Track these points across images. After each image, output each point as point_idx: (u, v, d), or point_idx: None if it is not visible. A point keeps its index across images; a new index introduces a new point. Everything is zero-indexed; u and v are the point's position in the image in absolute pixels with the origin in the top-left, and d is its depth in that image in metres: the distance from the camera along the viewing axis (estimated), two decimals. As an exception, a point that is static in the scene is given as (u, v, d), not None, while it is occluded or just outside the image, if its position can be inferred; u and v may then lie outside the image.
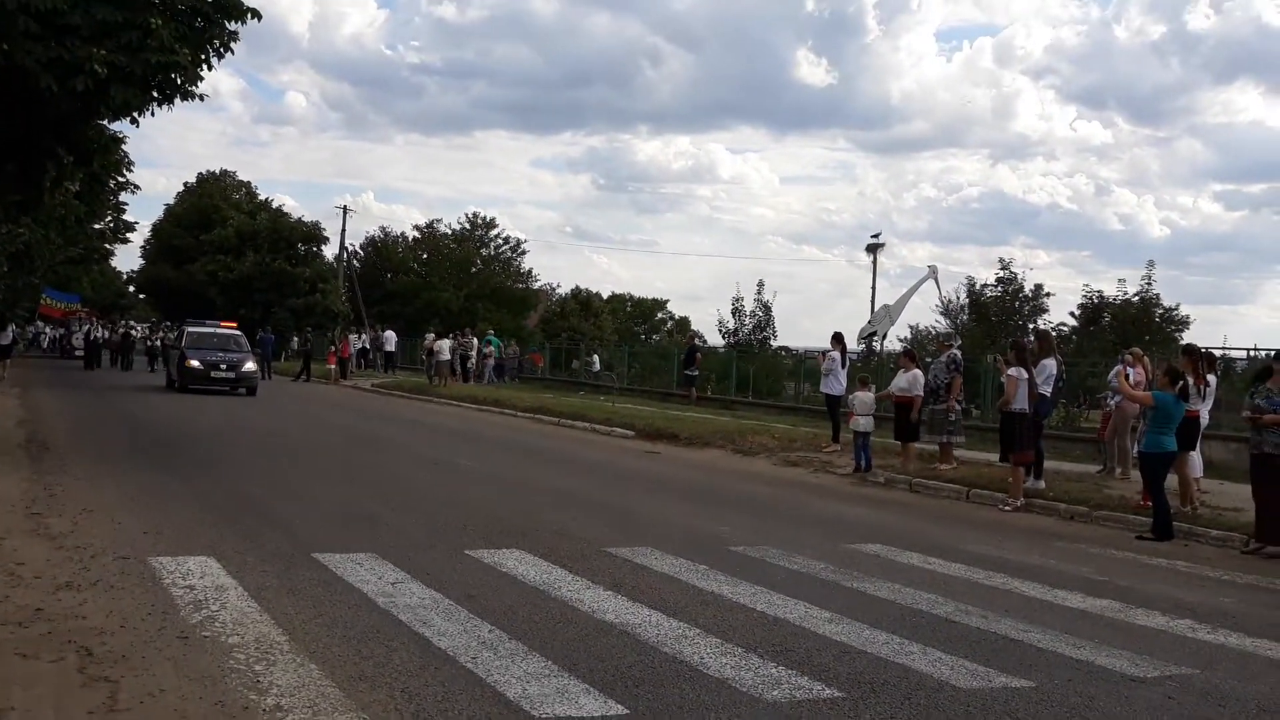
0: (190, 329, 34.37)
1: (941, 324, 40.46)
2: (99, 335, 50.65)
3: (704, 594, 8.26)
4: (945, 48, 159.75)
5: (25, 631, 6.32)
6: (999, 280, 39.44)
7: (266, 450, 17.50)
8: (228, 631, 6.59)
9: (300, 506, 11.82)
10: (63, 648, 6.06)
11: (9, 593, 7.16)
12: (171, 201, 78.82)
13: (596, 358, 47.32)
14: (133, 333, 54.73)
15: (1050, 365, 15.44)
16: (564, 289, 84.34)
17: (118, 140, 19.43)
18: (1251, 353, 24.55)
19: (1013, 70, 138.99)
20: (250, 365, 31.86)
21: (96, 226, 42.24)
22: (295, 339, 47.29)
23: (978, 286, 40.33)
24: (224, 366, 30.90)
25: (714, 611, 7.69)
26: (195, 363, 30.81)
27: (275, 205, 72.48)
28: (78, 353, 50.49)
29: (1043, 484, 14.57)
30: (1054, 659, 6.86)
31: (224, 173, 79.25)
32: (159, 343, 48.68)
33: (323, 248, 68.85)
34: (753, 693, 5.90)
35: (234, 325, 37.22)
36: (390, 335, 51.06)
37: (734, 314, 44.73)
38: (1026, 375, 14.30)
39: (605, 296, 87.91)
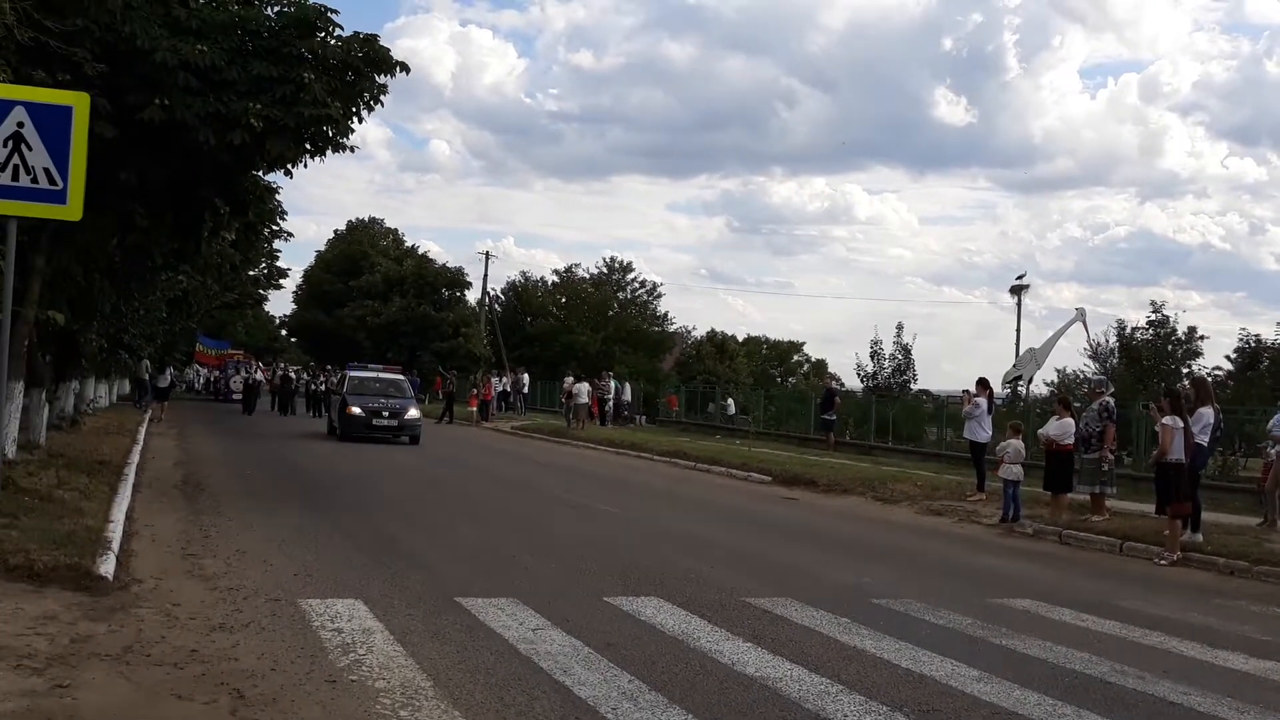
0: (352, 373, 33.05)
1: (1090, 368, 39.31)
2: (258, 379, 50.11)
3: (846, 648, 8.09)
4: (1089, 84, 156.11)
5: (180, 673, 6.49)
6: (1150, 323, 38.23)
7: (411, 493, 17.86)
8: (374, 675, 6.68)
9: (444, 549, 12.00)
10: (216, 690, 6.21)
11: (165, 633, 7.38)
12: (322, 248, 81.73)
13: (731, 401, 47.22)
14: (291, 376, 52.54)
15: (1207, 414, 14.88)
16: (699, 332, 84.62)
17: (272, 190, 20.13)
18: None
19: (1159, 107, 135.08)
20: (414, 412, 30.34)
21: (251, 273, 43.81)
22: (448, 381, 46.71)
23: (1128, 330, 39.15)
24: (386, 414, 29.54)
25: (857, 667, 7.52)
26: (356, 410, 29.52)
27: (420, 251, 74.63)
28: (235, 396, 49.89)
29: (1200, 537, 13.96)
30: (1218, 726, 6.53)
31: (372, 220, 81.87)
32: (323, 387, 45.38)
33: (465, 292, 70.54)
34: (899, 754, 5.74)
35: (398, 368, 36.08)
36: (524, 377, 51.97)
37: (872, 357, 44.21)
38: (1182, 424, 13.76)
39: (740, 339, 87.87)
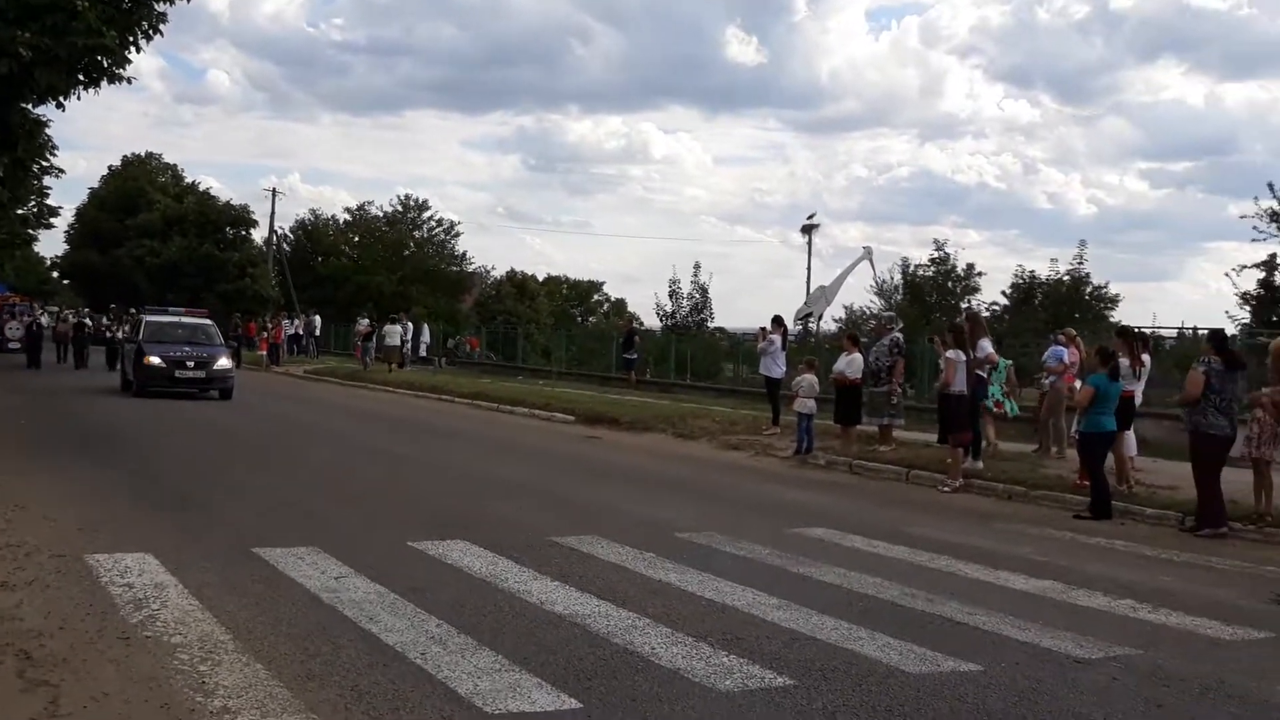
0: (149, 318, 28.95)
1: (877, 304, 40.93)
2: (41, 324, 43.77)
3: (652, 583, 8.24)
4: (874, 27, 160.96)
5: (-41, 636, 6.13)
6: (933, 260, 40.03)
7: (200, 442, 17.24)
8: (170, 631, 6.45)
9: (237, 500, 11.64)
10: (0, 651, 5.91)
11: (-61, 595, 6.96)
12: (96, 185, 77.33)
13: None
14: (87, 323, 44.96)
15: (986, 345, 15.63)
16: (498, 271, 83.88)
17: (41, 124, 18.97)
18: (1182, 331, 25.12)
19: (939, 50, 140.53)
20: (224, 361, 26.61)
21: (20, 212, 40.94)
22: (238, 325, 43.49)
23: (911, 267, 40.90)
24: (191, 364, 25.79)
25: (663, 600, 7.67)
26: (155, 359, 25.64)
27: (202, 188, 71.41)
28: (12, 345, 43.67)
29: (980, 464, 14.74)
30: (1000, 641, 6.92)
31: (149, 155, 77.84)
32: (119, 334, 37.67)
33: (251, 231, 68.02)
34: (705, 683, 5.88)
35: (204, 313, 32.15)
36: (316, 320, 50.76)
37: (671, 296, 44.91)
38: (965, 357, 14.45)
39: (540, 279, 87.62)
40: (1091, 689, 6.03)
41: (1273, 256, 24.71)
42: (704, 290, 44.99)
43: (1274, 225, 24.43)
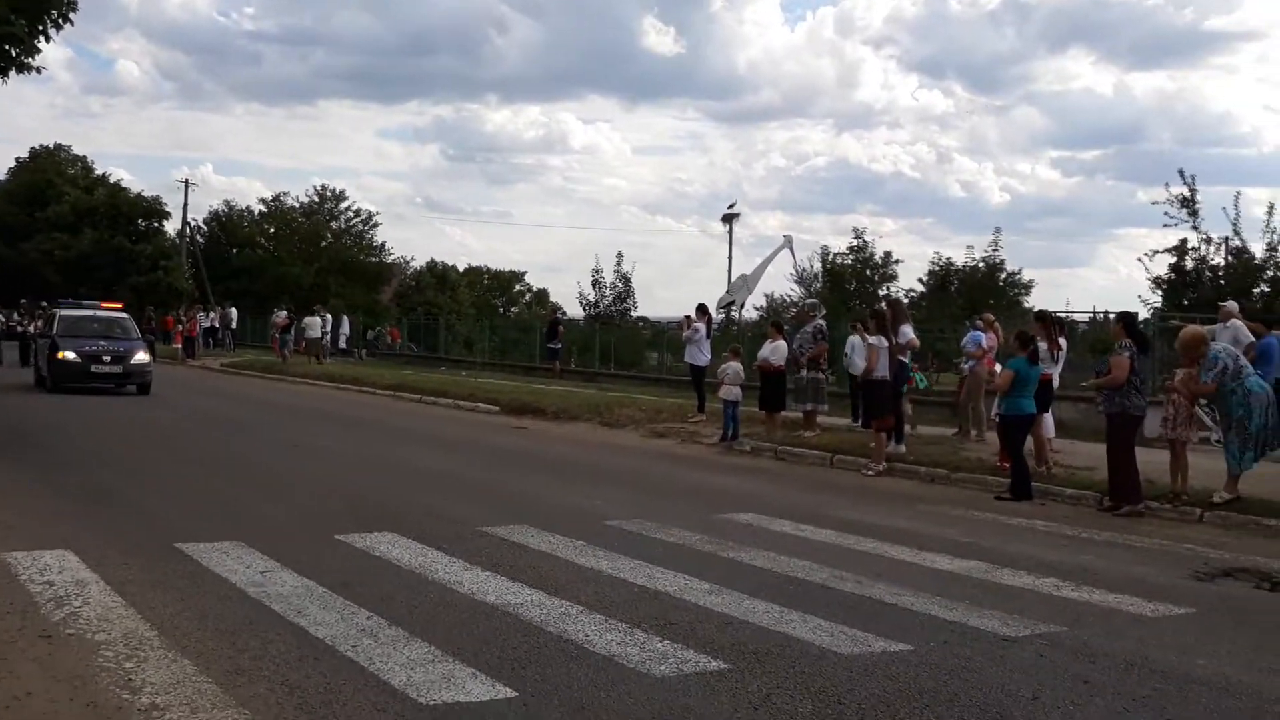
0: (63, 312, 28.14)
1: (797, 292, 41.25)
2: None
3: (583, 570, 8.23)
4: (789, 18, 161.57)
5: None
6: (851, 249, 40.48)
7: (120, 437, 16.86)
8: (93, 628, 6.30)
9: (159, 495, 11.41)
10: (-86, 655, 5.72)
11: None
12: (3, 177, 75.15)
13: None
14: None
15: (908, 331, 15.85)
16: (418, 262, 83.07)
17: (-56, 113, 18.40)
18: (1094, 316, 25.67)
19: (854, 40, 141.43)
20: (141, 356, 26.06)
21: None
22: (152, 319, 42.29)
23: (830, 255, 41.32)
24: (108, 359, 25.29)
25: (595, 588, 7.66)
26: (70, 354, 25.02)
27: (112, 180, 69.76)
28: None
29: (903, 448, 14.93)
30: (928, 621, 7.02)
31: (58, 147, 75.75)
32: (31, 329, 36.09)
33: (164, 223, 66.61)
34: (640, 669, 5.88)
35: (119, 306, 31.68)
36: (233, 312, 49.91)
37: (594, 285, 44.88)
38: (887, 343, 14.63)
39: (461, 269, 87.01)
40: (1019, 666, 6.13)
41: (1183, 242, 25.30)
42: (627, 279, 45.06)
43: (1184, 211, 24.98)
